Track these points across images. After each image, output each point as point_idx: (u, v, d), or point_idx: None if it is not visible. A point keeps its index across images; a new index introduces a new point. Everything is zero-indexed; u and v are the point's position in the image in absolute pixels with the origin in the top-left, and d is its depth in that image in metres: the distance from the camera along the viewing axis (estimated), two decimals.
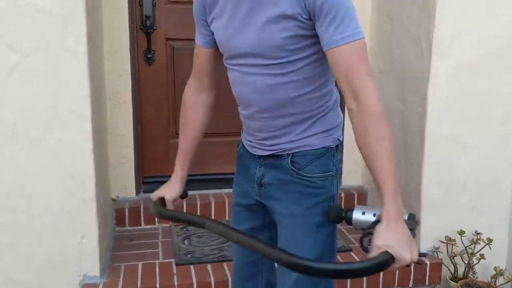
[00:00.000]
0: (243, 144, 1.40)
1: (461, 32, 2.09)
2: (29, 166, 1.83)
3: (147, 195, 2.65)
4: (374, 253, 0.97)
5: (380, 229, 1.00)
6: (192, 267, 2.08)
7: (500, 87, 2.17)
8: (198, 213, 2.56)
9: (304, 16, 1.10)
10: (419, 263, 1.02)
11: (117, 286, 1.92)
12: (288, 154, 1.25)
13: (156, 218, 2.53)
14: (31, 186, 1.84)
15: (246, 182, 1.36)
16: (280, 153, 1.26)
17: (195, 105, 1.45)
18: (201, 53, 1.37)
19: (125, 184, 2.59)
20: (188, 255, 2.17)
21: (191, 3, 2.48)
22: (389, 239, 0.99)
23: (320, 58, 1.16)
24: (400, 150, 2.39)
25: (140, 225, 2.51)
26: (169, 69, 2.63)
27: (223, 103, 2.68)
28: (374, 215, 1.08)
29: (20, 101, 1.78)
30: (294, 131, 1.24)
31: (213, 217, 2.57)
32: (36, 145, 1.82)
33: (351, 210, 1.12)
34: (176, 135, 2.74)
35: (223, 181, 2.62)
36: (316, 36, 1.12)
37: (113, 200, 2.56)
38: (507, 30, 2.13)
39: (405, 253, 0.98)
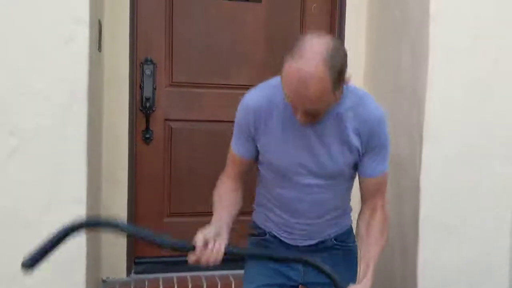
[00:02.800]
0: (270, 234, 1.54)
1: (450, 123, 2.16)
2: (20, 251, 1.79)
3: (138, 276, 2.60)
4: None
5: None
6: None
7: (490, 176, 2.20)
8: None
9: (361, 151, 1.39)
10: None
11: None
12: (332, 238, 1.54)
13: None
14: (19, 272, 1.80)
15: (279, 265, 1.51)
16: (325, 239, 1.52)
17: (232, 200, 1.51)
18: (242, 163, 1.50)
19: (116, 265, 2.54)
20: None
21: (190, 85, 2.59)
22: None
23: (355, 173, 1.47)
24: (395, 234, 2.38)
25: None
26: (166, 148, 2.67)
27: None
28: None
29: (17, 185, 1.79)
30: (338, 224, 1.53)
31: None
32: (30, 229, 1.80)
33: None
34: (171, 214, 2.75)
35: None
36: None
37: (103, 281, 2.50)
38: (496, 123, 2.20)
39: None
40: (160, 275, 2.61)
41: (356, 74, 2.72)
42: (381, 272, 2.56)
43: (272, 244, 1.54)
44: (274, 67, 2.67)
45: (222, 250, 1.26)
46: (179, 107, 2.66)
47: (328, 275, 1.30)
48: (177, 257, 2.69)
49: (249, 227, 1.63)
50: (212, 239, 1.28)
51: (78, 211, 1.84)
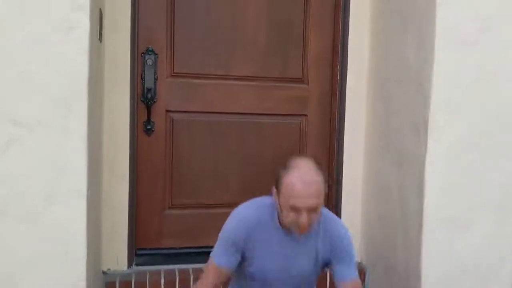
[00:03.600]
0: None
1: (456, 115, 2.12)
2: (19, 244, 1.77)
3: (139, 268, 2.58)
4: None
5: None
6: None
7: (496, 168, 2.17)
8: None
9: (332, 260, 1.74)
10: None
11: None
12: None
13: None
14: (18, 265, 1.78)
15: None
16: None
17: None
18: (222, 274, 1.73)
19: (117, 257, 2.53)
20: None
21: (192, 76, 2.56)
22: None
23: None
24: (398, 231, 2.35)
25: None
26: (167, 140, 2.64)
27: (224, 173, 2.71)
28: None
29: (16, 177, 1.76)
30: None
31: None
32: (30, 221, 1.78)
33: None
34: (172, 206, 2.73)
35: None
36: None
37: (104, 273, 2.48)
38: (503, 114, 2.16)
39: None
40: (162, 267, 2.59)
41: (360, 67, 2.69)
42: (383, 264, 2.56)
43: None
44: (276, 54, 2.68)
45: None
46: (181, 98, 2.63)
47: None
48: (178, 249, 2.70)
49: None
50: None
51: (79, 204, 1.82)
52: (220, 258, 1.69)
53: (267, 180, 1.83)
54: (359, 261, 2.76)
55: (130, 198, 2.53)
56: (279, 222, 1.68)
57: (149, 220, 2.65)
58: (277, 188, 1.61)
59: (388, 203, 2.45)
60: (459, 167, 2.15)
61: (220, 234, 1.73)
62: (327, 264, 1.76)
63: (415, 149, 2.20)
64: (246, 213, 1.70)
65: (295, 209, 1.54)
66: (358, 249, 2.76)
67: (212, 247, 2.60)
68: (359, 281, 1.76)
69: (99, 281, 2.35)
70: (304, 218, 1.53)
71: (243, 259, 1.70)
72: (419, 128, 2.16)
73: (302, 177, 1.53)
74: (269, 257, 1.69)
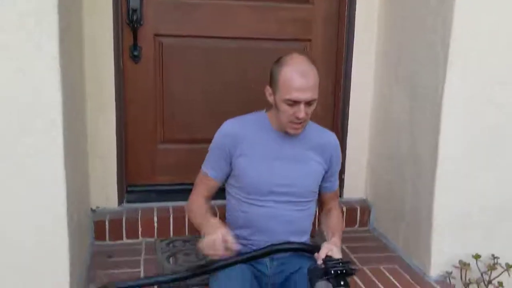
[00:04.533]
0: None
1: (480, 38, 1.87)
2: None
3: (130, 205, 2.43)
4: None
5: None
6: None
7: None
8: (186, 227, 2.33)
9: (325, 169, 1.69)
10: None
11: None
12: None
13: (140, 232, 2.30)
14: None
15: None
16: None
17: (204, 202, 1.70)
18: (213, 185, 1.70)
19: (106, 194, 2.37)
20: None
21: None
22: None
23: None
24: (408, 169, 2.17)
25: (122, 239, 2.29)
26: (157, 67, 2.40)
27: (221, 105, 2.49)
28: None
29: None
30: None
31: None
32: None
33: None
34: (165, 140, 2.54)
35: None
36: None
37: (92, 211, 2.33)
38: None
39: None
40: (154, 204, 2.44)
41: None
42: (390, 204, 2.40)
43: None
44: None
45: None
46: (171, 20, 2.35)
47: (298, 248, 1.50)
48: (172, 186, 2.53)
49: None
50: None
51: (54, 134, 1.61)
52: (210, 170, 1.68)
53: None
54: (364, 197, 2.61)
55: (117, 130, 2.33)
56: (273, 126, 1.64)
57: (140, 154, 2.47)
58: (272, 85, 1.58)
59: (398, 139, 2.25)
60: (476, 113, 1.94)
61: (210, 145, 1.70)
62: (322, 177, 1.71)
63: (431, 80, 1.97)
64: (233, 122, 1.67)
65: (292, 103, 1.51)
66: (363, 186, 2.61)
67: None
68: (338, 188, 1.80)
69: (87, 219, 2.20)
70: (301, 110, 1.50)
71: (235, 171, 1.64)
72: (438, 55, 1.91)
73: (298, 68, 1.51)
74: (261, 161, 1.61)
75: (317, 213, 1.82)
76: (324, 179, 1.70)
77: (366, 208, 2.54)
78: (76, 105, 1.95)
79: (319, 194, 1.73)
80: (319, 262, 1.36)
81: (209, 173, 1.68)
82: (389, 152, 2.37)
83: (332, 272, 1.30)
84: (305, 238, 1.68)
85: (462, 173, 1.97)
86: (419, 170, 2.09)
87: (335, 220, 1.68)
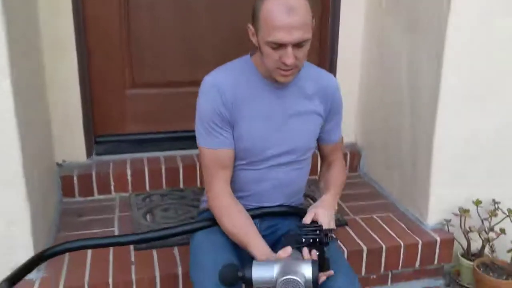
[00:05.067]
0: None
1: None
2: None
3: (100, 157, 2.21)
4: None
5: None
6: (155, 252, 1.68)
7: None
8: (163, 180, 2.14)
9: (324, 118, 1.42)
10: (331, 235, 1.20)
11: (57, 283, 1.51)
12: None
13: (113, 186, 2.10)
14: None
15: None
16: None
17: (235, 205, 1.35)
18: (227, 158, 1.34)
19: (73, 146, 2.14)
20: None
21: None
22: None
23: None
24: (405, 107, 1.99)
25: (93, 195, 2.09)
26: (122, 1, 2.11)
27: (196, 44, 2.23)
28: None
29: None
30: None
31: (181, 184, 2.16)
32: None
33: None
34: (135, 84, 2.29)
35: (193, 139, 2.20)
36: None
37: (58, 165, 2.11)
38: None
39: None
40: (127, 156, 2.23)
41: None
42: (383, 146, 2.25)
43: None
44: None
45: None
46: None
47: (289, 212, 1.41)
48: (146, 135, 2.32)
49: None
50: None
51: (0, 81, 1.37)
52: (212, 141, 1.32)
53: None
54: (354, 141, 2.45)
55: (80, 74, 2.07)
56: (261, 73, 1.34)
57: (108, 101, 2.22)
58: (254, 24, 1.26)
59: (394, 75, 2.05)
60: (478, 39, 1.74)
61: (197, 116, 1.34)
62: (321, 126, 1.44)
63: (433, 10, 1.75)
64: (215, 78, 1.33)
65: (277, 46, 1.21)
66: (353, 128, 2.44)
67: (186, 131, 2.25)
68: (342, 139, 1.55)
69: (52, 175, 1.99)
70: (289, 54, 1.21)
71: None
72: None
73: (283, 2, 1.19)
74: (254, 122, 1.34)
75: (319, 168, 1.56)
76: (324, 130, 1.44)
77: (356, 152, 2.38)
78: (27, 48, 1.68)
79: (320, 147, 1.49)
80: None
81: (215, 145, 1.32)
82: (383, 92, 2.18)
83: (304, 240, 1.16)
84: (298, 198, 1.50)
85: (463, 116, 1.80)
86: (418, 111, 1.91)
87: (334, 174, 1.47)
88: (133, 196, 2.08)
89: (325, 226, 1.21)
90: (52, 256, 1.27)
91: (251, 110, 1.32)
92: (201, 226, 1.39)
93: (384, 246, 1.77)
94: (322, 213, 1.25)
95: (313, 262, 1.11)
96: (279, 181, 1.40)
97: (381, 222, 1.93)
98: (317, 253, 1.17)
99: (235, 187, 1.39)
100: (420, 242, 1.80)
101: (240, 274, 1.11)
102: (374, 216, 1.97)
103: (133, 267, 1.60)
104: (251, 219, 1.33)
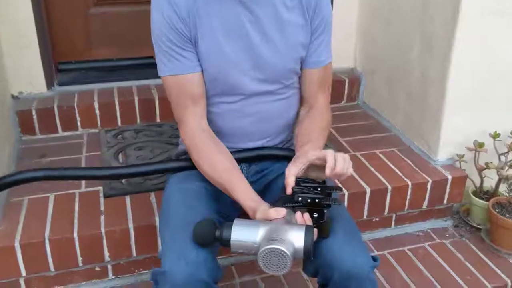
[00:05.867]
0: None
1: None
2: None
3: (63, 88, 1.93)
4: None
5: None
6: (128, 200, 1.46)
7: None
8: (137, 113, 1.88)
9: (307, 29, 1.11)
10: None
11: (11, 238, 1.29)
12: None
13: (79, 122, 1.83)
14: None
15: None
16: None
17: (214, 145, 1.11)
18: (196, 81, 1.09)
19: (30, 75, 1.84)
20: (123, 180, 1.53)
21: None
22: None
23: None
24: (416, 22, 1.70)
25: (56, 132, 1.82)
26: None
27: None
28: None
29: None
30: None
31: (158, 119, 1.90)
32: None
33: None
34: (98, 2, 1.96)
35: None
36: None
37: (14, 98, 1.82)
38: None
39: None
40: (95, 86, 1.95)
41: None
42: (387, 73, 1.98)
43: None
44: None
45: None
46: None
47: (285, 156, 1.17)
48: (115, 61, 2.03)
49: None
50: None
51: None
52: (175, 66, 1.07)
53: None
54: (352, 66, 2.18)
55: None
56: None
57: (69, 22, 1.90)
58: None
59: None
60: None
61: (152, 39, 1.09)
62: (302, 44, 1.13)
63: None
64: None
65: None
66: (351, 51, 2.16)
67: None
68: (330, 65, 1.19)
69: (6, 109, 1.71)
70: None
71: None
72: None
73: None
74: (221, 43, 1.07)
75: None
76: (308, 51, 1.13)
77: (355, 79, 2.11)
78: None
79: (301, 78, 1.17)
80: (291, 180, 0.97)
81: (178, 70, 1.07)
82: (390, 6, 1.88)
83: (299, 199, 0.94)
84: (287, 136, 1.24)
85: (483, 36, 1.53)
86: (431, 29, 1.63)
87: (316, 120, 1.15)
88: (102, 133, 1.82)
89: (339, 170, 0.94)
90: (10, 186, 1.16)
91: (212, 24, 1.05)
92: (180, 166, 1.17)
93: (389, 187, 1.56)
94: (337, 155, 0.96)
95: (307, 228, 0.89)
96: (261, 115, 1.15)
97: (385, 159, 1.71)
98: (315, 215, 0.95)
99: (211, 128, 1.13)
100: (430, 181, 1.60)
101: (217, 233, 0.91)
102: (377, 152, 1.75)
103: (102, 218, 1.38)
104: (234, 160, 1.11)
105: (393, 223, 1.66)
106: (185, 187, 1.12)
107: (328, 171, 0.94)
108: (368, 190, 1.54)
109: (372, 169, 1.65)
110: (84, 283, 1.39)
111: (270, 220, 0.92)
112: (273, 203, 0.98)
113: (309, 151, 1.00)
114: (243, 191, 1.03)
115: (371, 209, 1.57)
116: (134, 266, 1.42)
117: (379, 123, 1.98)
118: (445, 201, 1.65)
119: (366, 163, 1.69)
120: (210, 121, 1.14)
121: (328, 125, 1.19)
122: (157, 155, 1.68)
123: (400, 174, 1.62)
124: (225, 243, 0.91)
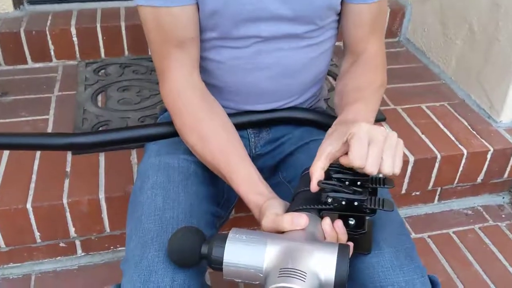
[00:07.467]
0: None
1: None
2: None
3: (34, 8, 1.57)
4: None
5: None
6: (102, 159, 1.14)
7: None
8: (125, 43, 1.51)
9: None
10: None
11: None
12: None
13: (53, 51, 1.48)
14: None
15: None
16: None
17: (206, 109, 0.76)
18: (186, 17, 0.72)
19: None
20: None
21: None
22: None
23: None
24: None
25: (25, 62, 1.48)
26: None
27: None
28: None
29: None
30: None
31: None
32: None
33: None
34: None
35: None
36: None
37: None
38: None
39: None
40: (74, 6, 1.58)
41: None
42: (440, 14, 1.53)
43: None
44: None
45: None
46: None
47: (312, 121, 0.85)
48: None
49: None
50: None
51: None
52: None
53: None
54: None
55: None
56: None
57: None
58: None
59: None
60: None
61: None
62: None
63: None
64: None
65: None
66: None
67: None
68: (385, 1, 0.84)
69: None
70: None
71: None
72: None
73: None
74: None
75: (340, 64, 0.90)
76: None
77: (399, 9, 1.69)
78: None
79: (342, 19, 0.81)
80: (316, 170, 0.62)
81: (164, 2, 0.71)
82: None
83: (329, 201, 0.61)
84: (314, 94, 0.90)
85: None
86: None
87: (367, 76, 0.80)
88: (82, 66, 1.48)
89: (369, 169, 0.59)
90: None
91: None
92: (161, 133, 0.84)
93: (438, 155, 1.21)
94: (376, 146, 0.60)
95: (340, 249, 0.56)
96: (281, 67, 0.80)
97: (433, 117, 1.35)
98: (351, 222, 0.62)
99: (205, 81, 0.78)
100: (491, 150, 1.25)
101: (204, 249, 0.60)
102: (423, 107, 1.39)
103: (66, 183, 1.07)
104: (235, 132, 0.77)
105: (436, 197, 1.33)
106: (166, 162, 0.79)
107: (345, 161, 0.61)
108: (411, 159, 1.19)
109: (417, 129, 1.29)
110: (46, 260, 1.12)
111: (283, 232, 0.60)
112: (291, 201, 0.65)
113: (353, 123, 0.64)
114: (244, 179, 0.70)
115: (412, 183, 1.23)
116: (109, 242, 1.14)
117: (425, 67, 1.58)
118: (505, 175, 1.31)
119: (409, 121, 1.33)
120: (204, 72, 0.80)
121: (384, 82, 0.83)
122: (145, 99, 1.34)
123: (452, 138, 1.27)
124: (215, 265, 0.59)
